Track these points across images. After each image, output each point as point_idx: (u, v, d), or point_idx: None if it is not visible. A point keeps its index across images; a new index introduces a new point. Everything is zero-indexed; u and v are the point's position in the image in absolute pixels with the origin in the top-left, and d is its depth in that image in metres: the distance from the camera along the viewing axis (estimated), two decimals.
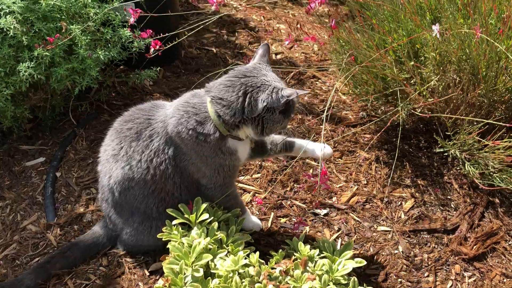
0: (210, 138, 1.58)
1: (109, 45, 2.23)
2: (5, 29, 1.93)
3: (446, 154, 2.09)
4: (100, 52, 2.13)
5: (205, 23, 1.99)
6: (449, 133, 2.05)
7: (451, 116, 1.98)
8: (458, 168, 2.16)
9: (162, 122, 1.65)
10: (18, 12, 1.96)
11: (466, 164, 1.98)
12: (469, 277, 1.80)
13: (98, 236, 1.86)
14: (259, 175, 2.19)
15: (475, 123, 1.93)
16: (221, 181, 1.69)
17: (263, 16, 3.35)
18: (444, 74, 2.04)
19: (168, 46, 1.86)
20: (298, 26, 2.57)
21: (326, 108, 1.63)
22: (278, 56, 2.98)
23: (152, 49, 1.83)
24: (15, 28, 1.94)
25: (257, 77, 1.56)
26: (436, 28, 1.72)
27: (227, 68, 1.71)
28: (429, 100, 2.02)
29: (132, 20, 1.86)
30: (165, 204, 1.72)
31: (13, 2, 1.95)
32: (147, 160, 1.66)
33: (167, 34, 1.88)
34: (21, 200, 2.08)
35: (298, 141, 1.83)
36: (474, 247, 1.87)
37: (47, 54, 1.98)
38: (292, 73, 2.74)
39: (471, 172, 1.96)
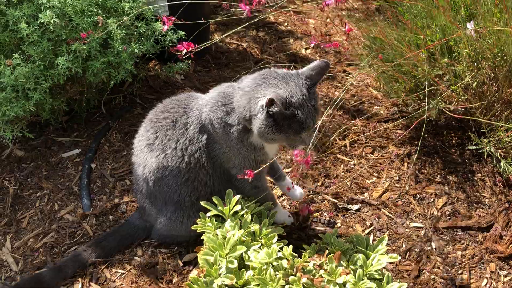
0: (233, 128, 1.60)
1: (143, 38, 2.27)
2: (45, 23, 1.98)
3: (479, 151, 2.06)
4: (134, 46, 2.17)
5: (238, 27, 1.99)
6: (483, 130, 2.02)
7: (482, 119, 1.94)
8: (492, 166, 2.12)
9: (197, 111, 1.68)
10: (57, 6, 2.01)
11: (502, 162, 1.95)
12: (505, 276, 1.78)
13: (133, 227, 1.90)
14: (289, 169, 2.20)
15: (510, 120, 1.90)
16: None
17: (293, 11, 3.35)
18: (478, 70, 2.00)
19: (201, 47, 1.85)
20: (328, 20, 2.57)
21: (336, 103, 1.62)
22: (308, 51, 2.98)
23: (184, 50, 1.83)
24: (55, 23, 1.98)
25: (276, 79, 1.52)
26: (470, 26, 1.69)
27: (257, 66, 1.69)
28: (462, 97, 1.99)
29: (165, 28, 1.88)
30: (197, 194, 1.74)
31: None
32: (182, 148, 1.68)
33: (197, 31, 1.88)
34: (58, 190, 2.13)
35: (287, 180, 1.96)
36: (510, 245, 1.84)
37: (84, 48, 2.02)
38: None
39: (507, 170, 1.93)
